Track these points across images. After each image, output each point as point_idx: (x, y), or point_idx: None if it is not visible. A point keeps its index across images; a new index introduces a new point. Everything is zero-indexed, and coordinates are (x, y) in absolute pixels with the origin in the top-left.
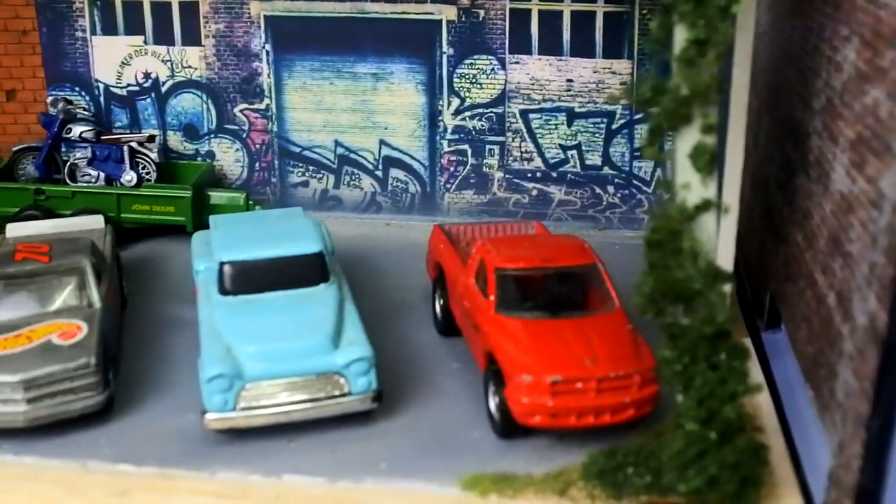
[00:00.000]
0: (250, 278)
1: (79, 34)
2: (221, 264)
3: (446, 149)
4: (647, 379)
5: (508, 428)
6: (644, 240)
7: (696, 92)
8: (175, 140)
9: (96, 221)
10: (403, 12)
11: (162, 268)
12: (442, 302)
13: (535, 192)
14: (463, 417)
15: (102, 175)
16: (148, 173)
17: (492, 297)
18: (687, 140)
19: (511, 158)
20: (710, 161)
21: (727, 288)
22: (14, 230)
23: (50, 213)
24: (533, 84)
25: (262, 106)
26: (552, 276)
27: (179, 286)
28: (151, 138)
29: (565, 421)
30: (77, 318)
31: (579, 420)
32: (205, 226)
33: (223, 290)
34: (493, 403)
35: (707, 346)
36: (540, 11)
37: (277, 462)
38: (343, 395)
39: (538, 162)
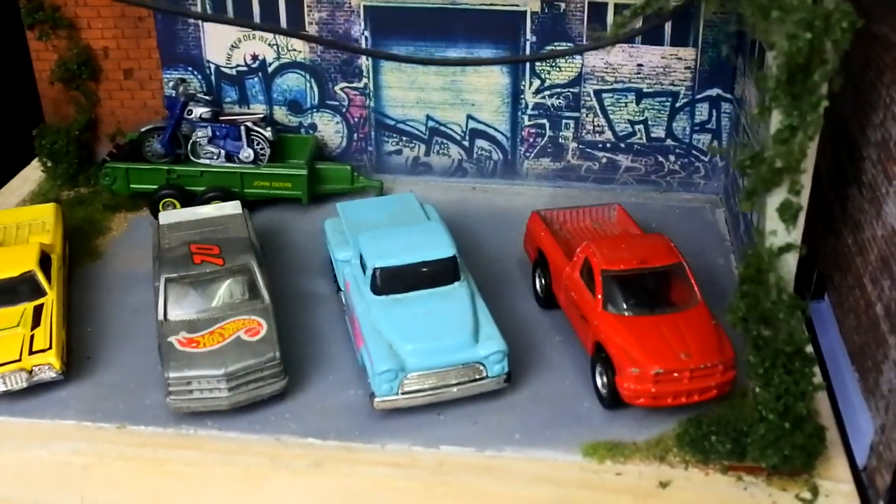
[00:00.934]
0: (398, 280)
1: (191, 25)
2: (375, 269)
3: (527, 123)
4: (728, 366)
5: (614, 402)
6: (739, 274)
7: (788, 166)
8: (280, 114)
9: (234, 207)
10: (492, 4)
11: (285, 240)
12: (543, 282)
13: (604, 160)
14: (573, 389)
15: (223, 152)
16: (263, 150)
17: (599, 297)
18: (777, 198)
19: (584, 131)
20: (794, 214)
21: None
22: (166, 217)
23: (181, 190)
24: (606, 68)
25: (361, 85)
26: (648, 275)
27: (307, 259)
28: (265, 119)
29: (663, 401)
30: (255, 315)
31: (674, 400)
32: (316, 196)
33: (376, 291)
34: (600, 382)
35: (784, 356)
36: (615, 4)
37: (433, 434)
38: (482, 378)
39: (608, 135)
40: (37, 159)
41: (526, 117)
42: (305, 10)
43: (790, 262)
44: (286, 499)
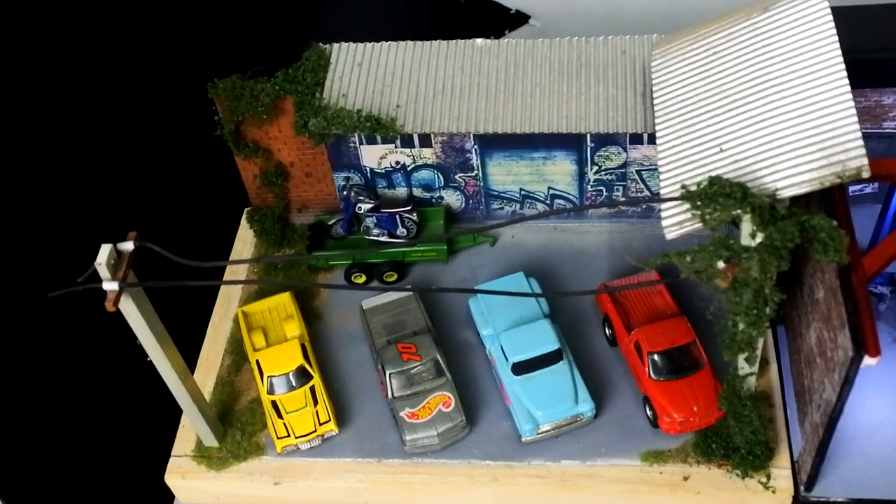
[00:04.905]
0: (527, 366)
1: (352, 145)
2: (513, 363)
3: (589, 189)
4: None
5: (657, 426)
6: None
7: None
8: (417, 192)
9: (408, 293)
10: (568, 132)
11: (435, 295)
12: (609, 333)
13: (644, 206)
14: (633, 412)
15: (386, 232)
16: (412, 228)
17: (647, 368)
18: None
19: (630, 191)
20: (754, 362)
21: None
22: (367, 304)
23: (363, 265)
24: (643, 159)
25: (473, 174)
26: (675, 351)
27: (454, 310)
28: (413, 209)
29: (685, 430)
30: (445, 390)
31: (692, 429)
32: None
33: (514, 373)
34: (649, 413)
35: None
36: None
37: (557, 453)
38: (580, 420)
39: (645, 192)
40: (249, 231)
41: (589, 186)
42: (433, 136)
43: (752, 382)
44: (481, 501)
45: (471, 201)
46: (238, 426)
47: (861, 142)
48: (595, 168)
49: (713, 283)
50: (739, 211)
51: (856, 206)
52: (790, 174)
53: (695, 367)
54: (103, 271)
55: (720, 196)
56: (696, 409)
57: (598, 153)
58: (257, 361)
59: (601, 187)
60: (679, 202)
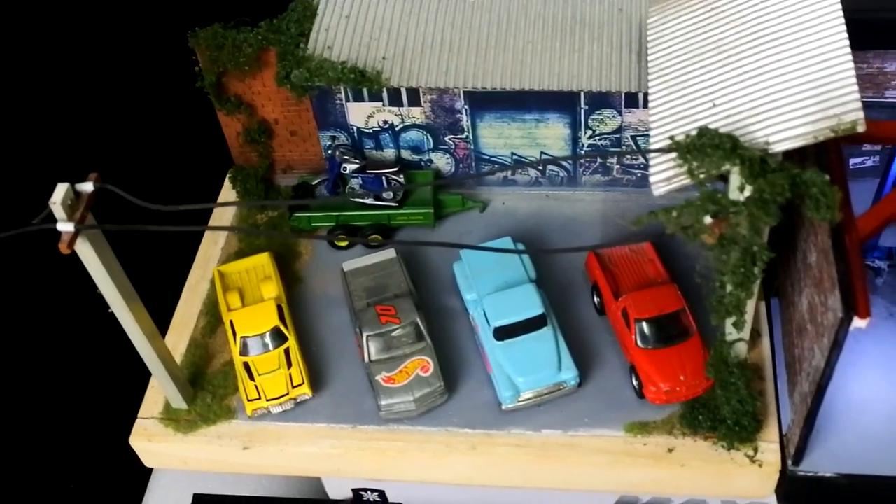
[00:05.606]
0: (509, 331)
1: (338, 102)
2: (496, 327)
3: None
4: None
5: (643, 396)
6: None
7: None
8: (405, 154)
9: (390, 253)
10: (559, 90)
11: (419, 259)
12: (598, 301)
13: (639, 174)
14: (619, 382)
15: (371, 194)
16: (398, 190)
17: (633, 336)
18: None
19: (625, 159)
20: (742, 326)
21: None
22: (347, 266)
23: (347, 227)
24: (639, 123)
25: (463, 136)
26: (663, 318)
27: (440, 277)
28: (400, 171)
29: (671, 400)
30: (424, 355)
31: (678, 399)
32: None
33: (496, 338)
34: (635, 384)
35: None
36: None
37: (538, 422)
38: (564, 389)
39: (641, 160)
40: (232, 192)
41: (583, 151)
42: (422, 94)
43: (742, 349)
44: (458, 469)
45: (461, 165)
46: (209, 389)
47: (857, 96)
48: (589, 132)
49: (700, 240)
50: (728, 163)
51: (856, 180)
52: (784, 128)
53: (683, 335)
54: (58, 211)
55: (709, 147)
56: (683, 378)
57: (592, 116)
58: (231, 322)
59: (595, 152)
60: (668, 157)
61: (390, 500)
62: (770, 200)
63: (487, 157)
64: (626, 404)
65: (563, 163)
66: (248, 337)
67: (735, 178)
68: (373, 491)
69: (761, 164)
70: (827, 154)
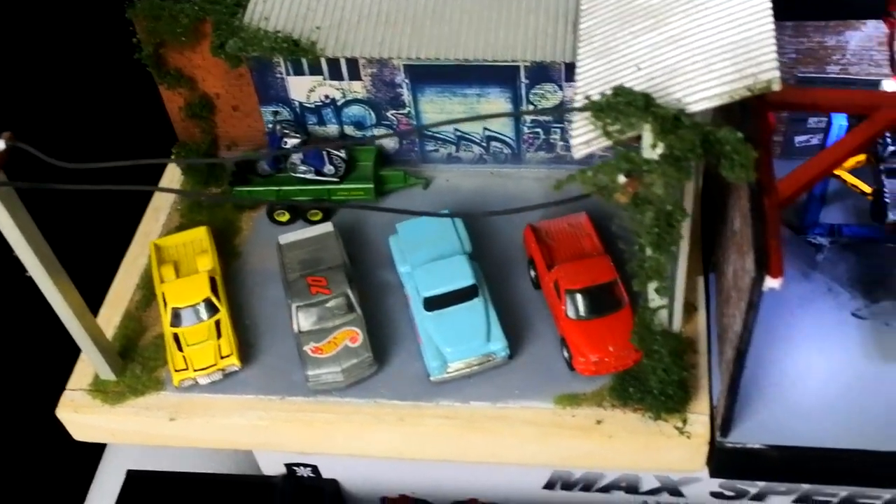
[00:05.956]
0: (439, 301)
1: (279, 76)
2: (425, 298)
3: (526, 132)
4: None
5: (573, 368)
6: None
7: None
8: (349, 130)
9: (328, 227)
10: (494, 61)
11: (358, 235)
12: (533, 275)
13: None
14: (552, 354)
15: (312, 169)
16: (340, 165)
17: (564, 307)
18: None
19: (568, 135)
20: (666, 292)
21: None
22: (283, 239)
23: (289, 203)
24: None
25: (405, 111)
26: (594, 289)
27: (378, 252)
28: (340, 146)
29: (601, 372)
30: (353, 326)
31: (607, 371)
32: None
33: (427, 308)
34: (565, 354)
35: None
36: None
37: (466, 394)
38: (493, 361)
39: None
40: (177, 168)
41: (525, 128)
42: (361, 67)
43: (665, 316)
44: (386, 442)
45: (404, 141)
46: (140, 361)
47: (775, 55)
48: (531, 108)
49: (615, 199)
50: (641, 121)
51: (803, 158)
52: (701, 88)
53: (614, 307)
54: None
55: (622, 106)
56: (613, 349)
57: (532, 91)
58: (163, 294)
59: (538, 129)
60: (588, 120)
61: (324, 475)
62: (681, 157)
63: (430, 134)
64: (558, 377)
65: (507, 140)
66: (179, 308)
67: (647, 136)
68: (306, 466)
69: (674, 122)
70: (755, 120)
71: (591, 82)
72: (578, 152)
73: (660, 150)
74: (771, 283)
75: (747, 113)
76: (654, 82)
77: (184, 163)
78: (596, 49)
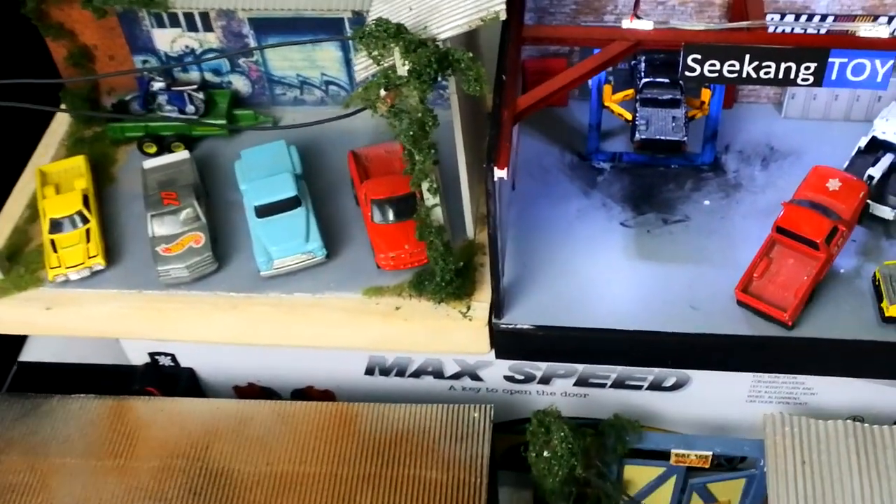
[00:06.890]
0: (267, 210)
1: (144, 28)
2: (256, 206)
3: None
4: None
5: (379, 266)
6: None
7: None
8: (208, 76)
9: (184, 155)
10: (319, 10)
11: (212, 163)
12: (355, 194)
13: None
14: (365, 256)
15: (176, 109)
16: (200, 106)
17: (370, 214)
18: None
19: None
20: (436, 192)
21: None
22: (147, 164)
23: (154, 136)
24: None
25: (254, 60)
26: (394, 199)
27: (229, 177)
28: (199, 88)
29: (399, 268)
30: (198, 231)
31: (404, 266)
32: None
33: (257, 215)
34: (375, 257)
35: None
36: None
37: (290, 286)
38: (314, 259)
39: None
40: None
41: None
42: (213, 20)
43: (438, 213)
44: (223, 328)
45: (256, 86)
46: (23, 264)
47: None
48: (357, 53)
49: (379, 110)
50: (393, 44)
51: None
52: (449, 20)
53: (411, 213)
54: None
55: (378, 33)
56: (408, 247)
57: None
58: (44, 208)
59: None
60: (365, 51)
61: (182, 364)
62: (422, 71)
63: (277, 79)
64: (368, 274)
65: (342, 84)
66: (55, 218)
67: (397, 56)
68: (166, 355)
69: (417, 44)
70: (508, 51)
71: None
72: (359, 76)
73: (407, 66)
74: (499, 173)
75: (504, 45)
76: (419, 18)
77: (73, 113)
78: None
